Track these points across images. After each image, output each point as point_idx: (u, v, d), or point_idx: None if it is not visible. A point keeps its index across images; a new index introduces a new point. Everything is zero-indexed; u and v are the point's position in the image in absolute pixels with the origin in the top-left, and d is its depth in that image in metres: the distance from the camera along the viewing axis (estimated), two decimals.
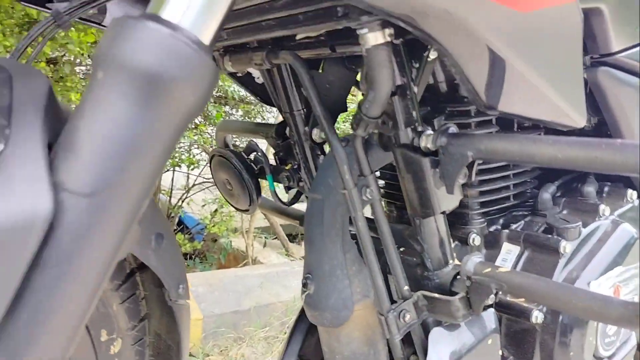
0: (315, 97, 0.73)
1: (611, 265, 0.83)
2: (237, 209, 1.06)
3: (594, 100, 0.85)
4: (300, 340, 1.02)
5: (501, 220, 0.93)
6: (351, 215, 0.73)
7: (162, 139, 0.43)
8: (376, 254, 0.76)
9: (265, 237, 4.31)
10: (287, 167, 0.97)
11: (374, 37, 0.59)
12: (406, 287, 0.77)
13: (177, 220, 4.30)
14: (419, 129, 0.70)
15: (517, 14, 0.56)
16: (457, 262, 0.79)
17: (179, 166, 3.73)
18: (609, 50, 0.79)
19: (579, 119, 0.68)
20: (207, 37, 0.46)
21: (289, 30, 0.69)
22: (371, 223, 0.76)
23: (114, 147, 0.41)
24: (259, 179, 1.01)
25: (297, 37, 0.75)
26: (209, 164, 1.06)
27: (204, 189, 4.13)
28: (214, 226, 3.78)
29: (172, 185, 4.09)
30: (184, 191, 4.08)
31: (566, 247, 0.81)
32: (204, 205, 3.92)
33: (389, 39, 0.60)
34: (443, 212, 0.74)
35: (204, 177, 4.07)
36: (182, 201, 4.14)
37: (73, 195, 0.40)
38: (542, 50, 0.61)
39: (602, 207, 0.88)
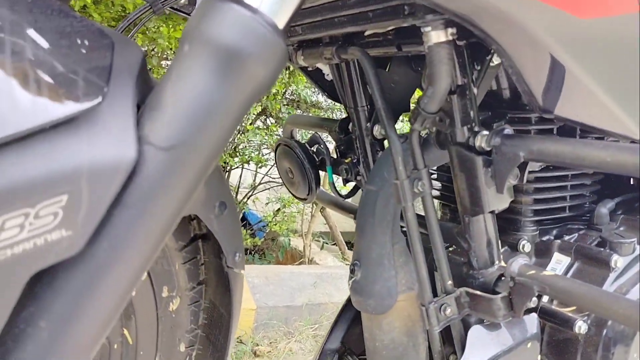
0: (378, 93, 0.77)
1: None
2: (296, 197, 1.11)
3: None
4: (344, 328, 1.06)
5: (555, 231, 0.93)
6: (402, 206, 0.76)
7: (233, 107, 0.49)
8: (423, 248, 0.79)
9: (324, 242, 4.37)
10: (346, 161, 1.01)
11: (436, 35, 0.63)
12: (450, 282, 0.79)
13: (240, 216, 4.45)
14: (476, 129, 0.73)
15: (577, 20, 0.58)
16: (503, 263, 0.80)
17: (248, 163, 3.87)
18: None
19: (638, 130, 0.68)
20: (281, 22, 0.52)
21: (359, 26, 0.74)
22: (422, 220, 0.79)
23: (192, 109, 0.47)
24: (320, 171, 1.06)
25: (366, 34, 0.80)
26: (274, 152, 1.13)
27: (269, 188, 4.26)
28: (275, 224, 3.89)
29: (239, 181, 4.24)
30: (250, 189, 4.22)
31: (618, 261, 0.81)
32: (267, 204, 4.04)
33: (450, 37, 0.63)
34: (492, 212, 0.76)
35: (270, 177, 4.19)
36: (248, 198, 4.28)
37: (154, 148, 0.46)
38: (602, 59, 0.62)
39: None
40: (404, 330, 0.87)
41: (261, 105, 3.40)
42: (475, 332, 0.80)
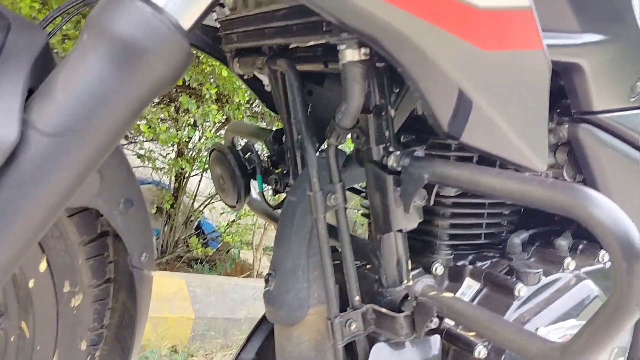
0: (300, 106, 0.79)
1: (564, 317, 0.84)
2: (225, 204, 1.11)
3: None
4: (261, 339, 1.05)
5: (469, 257, 0.95)
6: (313, 218, 0.77)
7: (127, 100, 0.49)
8: (333, 262, 0.80)
9: None
10: (277, 171, 1.02)
11: (350, 54, 0.65)
12: (357, 298, 0.80)
13: (195, 224, 4.39)
14: (390, 149, 0.75)
15: (480, 51, 0.60)
16: (410, 283, 0.82)
17: (206, 171, 3.83)
18: (590, 108, 0.82)
19: (539, 163, 0.71)
20: (187, 23, 0.53)
21: (285, 39, 0.75)
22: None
23: (82, 97, 0.47)
24: (251, 179, 1.07)
25: (291, 47, 0.82)
26: (208, 158, 1.13)
27: None
28: (228, 235, 3.85)
29: (197, 189, 4.20)
30: (208, 197, 4.18)
31: (521, 290, 0.83)
32: (222, 214, 4.01)
33: (364, 57, 0.65)
34: (400, 231, 0.77)
35: None
36: (205, 206, 4.23)
37: (38, 132, 0.46)
38: (505, 91, 0.65)
39: (567, 260, 0.89)
40: (313, 344, 0.87)
41: (224, 115, 3.39)
42: (379, 350, 0.81)
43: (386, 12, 0.54)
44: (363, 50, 0.65)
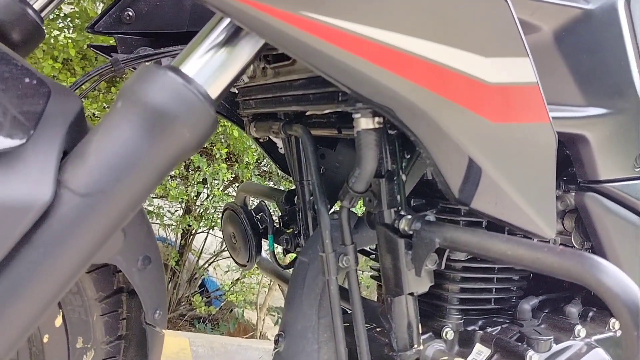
0: (314, 168, 0.81)
1: None
2: (236, 263, 1.13)
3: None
4: None
5: (480, 322, 0.95)
6: (325, 279, 0.78)
7: (154, 164, 0.52)
8: (344, 325, 0.80)
9: (279, 317, 4.28)
10: (288, 231, 1.04)
11: (365, 122, 0.68)
12: None
13: (199, 282, 4.36)
14: (402, 212, 0.77)
15: (491, 123, 0.63)
16: (421, 347, 0.81)
17: (213, 229, 3.85)
18: (596, 177, 0.84)
19: (548, 230, 0.73)
20: (214, 93, 0.56)
21: (301, 106, 0.79)
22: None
23: (113, 160, 0.50)
24: (262, 239, 1.08)
25: (307, 114, 0.85)
26: (221, 217, 1.15)
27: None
28: (232, 294, 3.82)
29: (203, 246, 4.20)
30: (213, 255, 4.17)
31: (533, 357, 0.83)
32: (227, 272, 3.99)
33: (377, 125, 0.68)
34: (411, 294, 0.78)
35: None
36: (209, 264, 4.22)
37: (70, 192, 0.49)
38: (514, 161, 0.68)
39: (578, 327, 0.89)
40: None
41: (232, 174, 3.44)
42: None
43: (401, 86, 0.57)
44: (377, 119, 0.68)
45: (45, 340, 0.72)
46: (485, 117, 0.63)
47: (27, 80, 0.50)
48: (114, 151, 0.51)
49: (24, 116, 0.48)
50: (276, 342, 0.88)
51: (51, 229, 0.48)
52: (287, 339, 0.86)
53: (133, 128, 0.51)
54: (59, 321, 0.71)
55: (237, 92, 0.99)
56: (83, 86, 0.89)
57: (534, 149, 0.69)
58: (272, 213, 1.09)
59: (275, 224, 1.07)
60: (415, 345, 0.81)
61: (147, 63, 0.76)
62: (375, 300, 1.12)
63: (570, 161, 0.85)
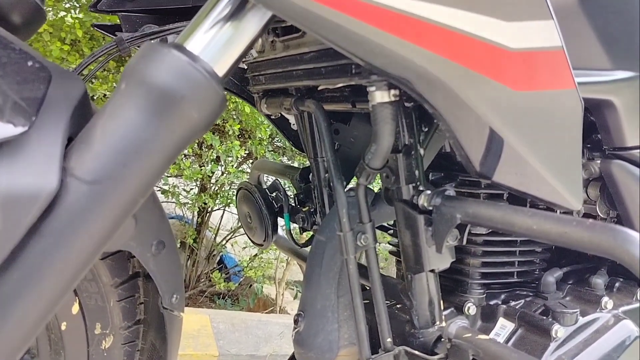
0: (329, 145, 0.79)
1: (605, 358, 0.81)
2: (253, 242, 1.11)
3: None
4: None
5: (502, 296, 0.93)
6: (344, 258, 0.77)
7: (163, 147, 0.50)
8: (364, 303, 0.79)
9: (298, 290, 4.32)
10: (304, 209, 1.02)
11: (380, 95, 0.65)
12: (389, 340, 0.78)
13: (218, 258, 4.39)
14: (420, 187, 0.74)
15: (513, 92, 0.60)
16: (443, 324, 0.80)
17: (229, 206, 3.85)
18: (623, 144, 0.81)
19: (574, 201, 0.70)
20: (221, 70, 0.54)
21: (313, 80, 0.76)
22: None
23: (120, 145, 0.48)
24: (278, 217, 1.07)
25: (319, 89, 0.82)
26: (235, 196, 1.13)
27: None
28: (250, 270, 3.84)
29: (219, 223, 4.21)
30: (230, 231, 4.19)
31: (559, 331, 0.81)
32: (244, 248, 4.01)
33: (393, 98, 0.65)
34: (432, 271, 0.76)
35: None
36: (227, 241, 4.24)
37: (77, 180, 0.47)
38: (538, 131, 0.64)
39: (605, 299, 0.87)
40: None
41: (246, 150, 3.42)
42: None
43: (417, 55, 0.54)
44: (393, 91, 0.65)
45: (63, 327, 0.71)
46: (508, 86, 0.59)
47: (26, 64, 0.48)
48: (121, 135, 0.48)
49: (25, 102, 0.46)
50: (296, 321, 0.87)
51: (59, 219, 0.46)
52: (306, 318, 0.85)
53: (139, 110, 0.49)
54: (75, 308, 0.71)
55: (246, 67, 0.96)
56: (91, 67, 0.87)
57: (559, 117, 0.65)
58: (286, 191, 1.07)
59: (290, 202, 1.06)
60: (437, 322, 0.80)
61: (152, 41, 0.73)
62: (394, 276, 1.10)
63: (595, 128, 0.82)
